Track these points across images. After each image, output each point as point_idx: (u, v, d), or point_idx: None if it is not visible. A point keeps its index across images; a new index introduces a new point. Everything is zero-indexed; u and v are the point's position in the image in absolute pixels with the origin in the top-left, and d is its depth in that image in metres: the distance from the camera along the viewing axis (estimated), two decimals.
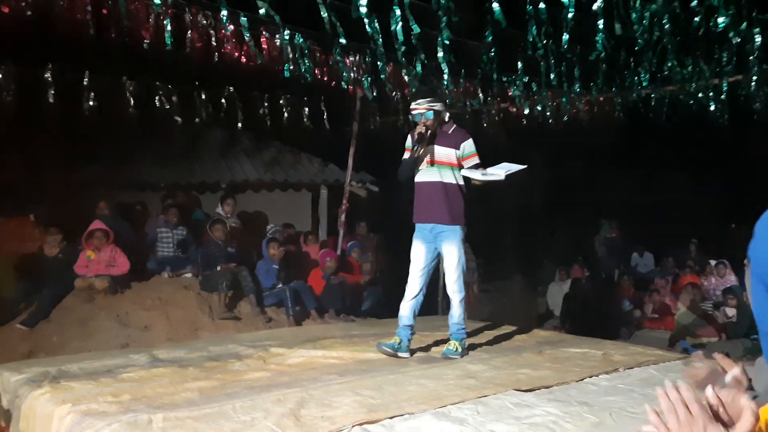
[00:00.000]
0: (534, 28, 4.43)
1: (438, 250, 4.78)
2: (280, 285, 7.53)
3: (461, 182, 4.74)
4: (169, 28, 4.55)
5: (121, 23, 4.27)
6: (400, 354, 4.68)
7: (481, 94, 7.21)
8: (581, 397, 3.57)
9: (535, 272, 12.72)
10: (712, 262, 10.26)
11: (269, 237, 8.04)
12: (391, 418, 3.15)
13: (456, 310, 4.80)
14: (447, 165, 4.68)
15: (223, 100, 7.37)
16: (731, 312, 8.50)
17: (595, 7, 4.43)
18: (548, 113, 7.39)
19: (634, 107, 7.21)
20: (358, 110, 8.54)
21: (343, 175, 9.85)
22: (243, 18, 4.66)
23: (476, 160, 4.69)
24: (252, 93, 7.67)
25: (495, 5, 4.09)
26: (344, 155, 9.13)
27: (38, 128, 6.96)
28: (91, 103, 6.17)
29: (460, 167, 4.69)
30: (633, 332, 9.09)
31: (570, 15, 4.38)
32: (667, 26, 4.52)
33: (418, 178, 4.79)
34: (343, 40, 4.67)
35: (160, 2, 4.25)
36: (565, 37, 4.68)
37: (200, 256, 7.86)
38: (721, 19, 4.61)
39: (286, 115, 7.52)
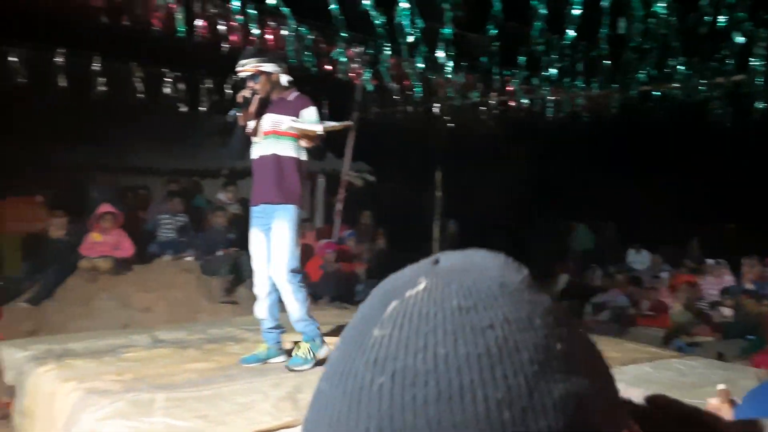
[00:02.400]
0: (538, 23, 4.46)
1: None
2: None
3: (302, 157, 4.05)
4: (180, 16, 4.61)
5: (134, 10, 4.33)
6: (272, 361, 4.08)
7: (480, 88, 7.26)
8: None
9: (529, 267, 12.78)
10: (710, 261, 10.32)
11: None
12: None
13: (292, 305, 4.01)
14: (284, 135, 3.97)
15: (226, 88, 7.42)
16: (728, 312, 8.56)
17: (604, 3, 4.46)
18: (548, 108, 7.45)
19: (634, 104, 7.27)
20: (358, 100, 8.61)
21: (340, 165, 9.94)
22: (252, 11, 4.72)
23: (318, 130, 4.00)
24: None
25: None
26: (341, 145, 9.21)
27: (47, 111, 7.03)
28: (99, 87, 6.23)
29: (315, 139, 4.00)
30: (627, 329, 9.18)
31: (576, 12, 4.43)
32: (672, 20, 4.55)
33: (252, 154, 4.09)
34: (344, 34, 4.69)
35: None
36: (569, 33, 4.73)
37: (201, 241, 7.98)
38: (722, 18, 4.67)
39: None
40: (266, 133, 4.01)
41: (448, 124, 9.14)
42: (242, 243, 8.31)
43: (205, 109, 7.55)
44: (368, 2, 4.17)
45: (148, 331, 5.08)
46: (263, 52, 4.24)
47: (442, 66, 5.53)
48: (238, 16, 4.94)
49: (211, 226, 8.48)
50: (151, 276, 7.20)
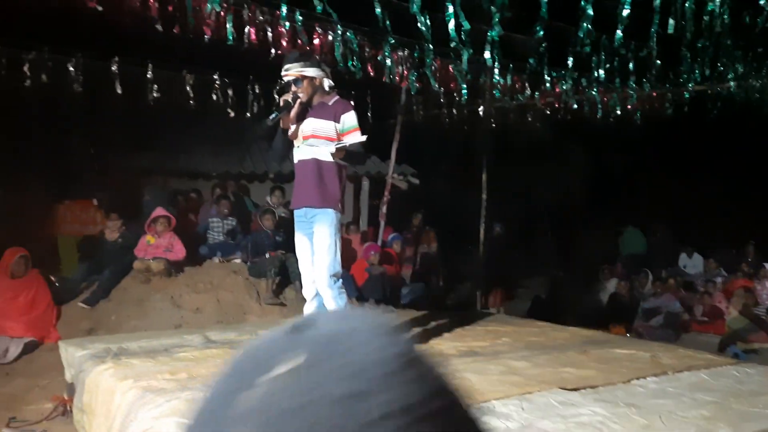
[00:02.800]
0: (585, 24, 4.39)
1: None
2: None
3: (342, 161, 4.11)
4: (229, 25, 4.71)
5: (186, 20, 4.44)
6: None
7: (528, 89, 7.19)
8: (628, 398, 3.51)
9: (576, 270, 12.60)
10: (767, 266, 9.99)
11: None
12: None
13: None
14: (324, 140, 4.01)
15: (275, 94, 7.54)
16: None
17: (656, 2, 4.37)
18: (598, 109, 7.32)
19: (688, 104, 7.09)
20: (402, 103, 8.62)
21: (384, 167, 9.96)
22: (299, 16, 4.79)
23: (358, 135, 4.05)
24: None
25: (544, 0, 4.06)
26: (386, 147, 9.24)
27: (103, 117, 7.28)
28: (153, 94, 6.42)
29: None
30: (680, 335, 8.95)
31: (625, 12, 4.34)
32: (726, 20, 4.43)
33: (294, 158, 4.15)
34: (391, 39, 4.70)
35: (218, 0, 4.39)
36: (619, 34, 4.64)
37: (249, 243, 8.12)
38: None
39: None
40: (306, 138, 4.06)
41: (494, 125, 9.07)
42: (289, 245, 8.46)
43: (252, 114, 7.68)
44: (414, 6, 4.16)
45: (200, 331, 5.19)
46: (306, 56, 4.27)
47: (490, 68, 5.49)
48: (286, 23, 5.00)
49: (258, 229, 8.63)
50: (201, 277, 7.35)
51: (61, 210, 7.65)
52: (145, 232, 7.25)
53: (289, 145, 4.14)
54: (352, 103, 4.24)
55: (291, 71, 4.01)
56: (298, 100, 4.01)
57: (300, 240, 4.19)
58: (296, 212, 4.19)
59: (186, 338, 4.88)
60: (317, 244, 4.04)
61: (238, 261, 8.05)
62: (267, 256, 7.71)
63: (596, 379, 3.88)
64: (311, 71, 4.03)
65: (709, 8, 4.50)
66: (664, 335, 8.80)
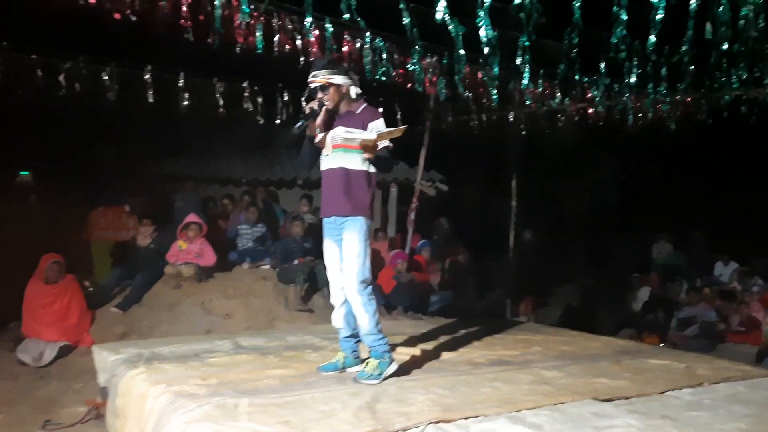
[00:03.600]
0: (619, 29, 4.32)
1: None
2: None
3: (371, 169, 4.06)
4: (258, 33, 4.75)
5: (215, 29, 4.50)
6: (349, 370, 4.11)
7: (559, 95, 7.11)
8: (663, 410, 3.44)
9: (608, 278, 12.41)
10: None
11: None
12: (465, 418, 3.19)
13: (362, 318, 4.00)
14: (352, 149, 3.95)
15: (302, 101, 7.59)
16: None
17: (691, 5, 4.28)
18: (629, 115, 7.21)
19: (724, 109, 6.94)
20: (431, 109, 8.60)
21: (412, 174, 9.94)
22: (328, 24, 4.81)
23: (387, 143, 3.96)
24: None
25: (576, 5, 4.01)
26: (414, 154, 9.23)
27: (135, 125, 7.41)
28: (183, 102, 6.52)
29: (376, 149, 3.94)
30: (716, 345, 8.74)
31: (659, 17, 4.27)
32: (761, 25, 4.32)
33: (321, 167, 4.12)
34: (418, 46, 4.68)
35: (248, 10, 4.44)
36: (652, 39, 4.56)
37: (278, 250, 8.17)
38: None
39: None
40: (335, 147, 4.02)
41: (523, 132, 8.99)
42: (317, 252, 8.50)
43: (282, 121, 7.73)
44: (441, 13, 4.15)
45: (230, 337, 5.23)
46: (334, 63, 4.24)
47: (520, 74, 5.44)
48: (315, 31, 5.03)
49: (287, 236, 8.68)
50: (231, 283, 7.41)
51: (94, 216, 7.80)
52: (177, 238, 7.35)
53: (316, 153, 4.12)
54: (381, 110, 4.21)
55: (318, 78, 3.99)
56: (324, 107, 3.99)
57: (328, 247, 4.17)
58: (325, 220, 4.17)
59: (216, 344, 4.94)
60: (346, 252, 4.02)
61: (267, 267, 8.10)
62: (296, 262, 7.75)
63: (630, 390, 3.81)
64: (338, 78, 4.00)
65: (743, 12, 4.41)
66: (699, 345, 8.59)
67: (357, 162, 3.99)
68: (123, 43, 5.78)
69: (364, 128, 3.96)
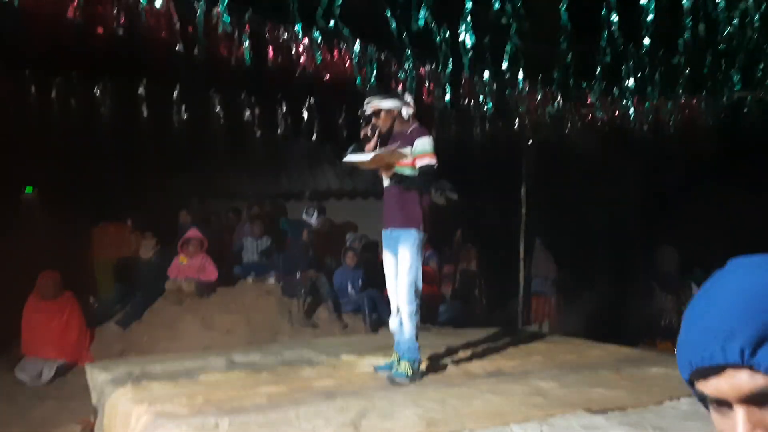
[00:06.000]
0: (606, 33, 4.25)
1: None
2: (355, 292, 7.65)
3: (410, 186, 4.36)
4: (247, 44, 4.73)
5: (200, 41, 4.49)
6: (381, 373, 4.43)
7: (560, 101, 7.00)
8: (657, 421, 3.33)
9: (623, 285, 12.20)
10: None
11: (347, 246, 8.20)
12: None
13: (406, 324, 4.35)
14: (403, 166, 4.29)
15: (304, 112, 7.56)
16: None
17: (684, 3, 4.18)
18: (631, 119, 7.08)
19: (727, 112, 6.77)
20: (436, 119, 8.52)
21: None
22: (316, 32, 4.79)
23: (428, 160, 4.26)
24: (332, 104, 7.83)
25: (562, 10, 3.95)
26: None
27: (133, 139, 7.42)
28: (181, 115, 6.52)
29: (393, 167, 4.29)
30: None
31: (649, 18, 4.18)
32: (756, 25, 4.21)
33: (383, 182, 4.49)
34: (408, 51, 4.65)
35: (228, 20, 4.43)
36: (646, 41, 4.46)
37: (282, 263, 8.14)
38: None
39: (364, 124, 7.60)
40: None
41: (529, 141, 8.89)
42: (322, 264, 8.48)
43: (284, 132, 7.70)
44: (421, 20, 4.12)
45: (225, 353, 5.16)
46: (383, 89, 4.69)
47: (514, 81, 5.37)
48: (305, 41, 5.01)
49: (292, 248, 8.64)
50: (234, 298, 7.38)
51: (96, 233, 7.81)
52: (178, 253, 7.34)
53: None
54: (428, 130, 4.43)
55: (370, 105, 4.35)
56: (377, 131, 4.34)
57: (387, 258, 4.50)
58: (384, 232, 4.51)
59: (210, 361, 4.87)
60: (400, 263, 4.34)
61: (271, 281, 8.07)
62: (298, 276, 7.71)
63: (626, 400, 3.70)
64: (388, 103, 4.34)
65: (741, 7, 4.29)
66: None
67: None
68: (117, 58, 5.79)
69: (412, 146, 4.26)
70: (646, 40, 4.51)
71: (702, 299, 0.84)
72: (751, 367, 0.75)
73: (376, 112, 4.34)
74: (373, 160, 4.22)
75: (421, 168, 4.26)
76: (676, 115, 6.74)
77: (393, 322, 4.50)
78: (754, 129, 7.07)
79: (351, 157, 4.25)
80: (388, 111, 4.33)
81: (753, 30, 4.34)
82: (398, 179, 4.29)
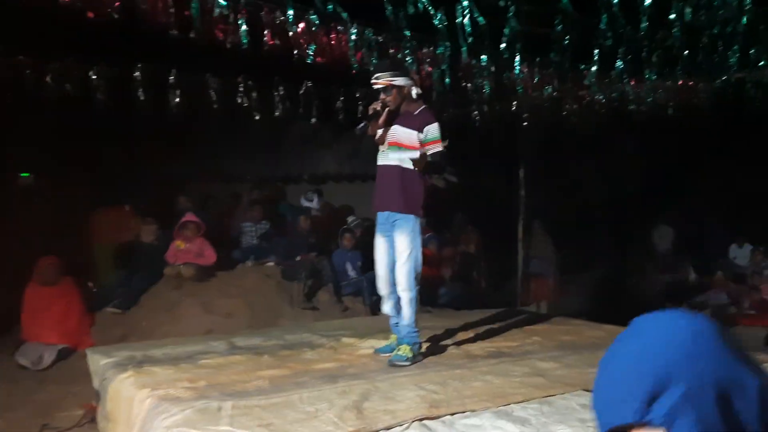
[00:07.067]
0: (605, 15, 4.22)
1: None
2: (355, 275, 7.67)
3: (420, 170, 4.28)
4: (243, 27, 4.70)
5: (193, 23, 4.46)
6: (382, 355, 4.41)
7: (556, 83, 6.97)
8: None
9: (622, 265, 12.25)
10: None
11: (344, 228, 8.20)
12: (451, 414, 3.14)
13: (406, 310, 4.32)
14: (408, 148, 4.19)
15: (301, 95, 7.52)
16: None
17: None
18: (630, 100, 7.06)
19: (727, 92, 6.76)
20: (433, 101, 8.49)
21: None
22: (312, 15, 4.75)
23: (439, 147, 4.20)
24: (331, 87, 7.80)
25: None
26: None
27: (133, 124, 7.39)
28: (176, 99, 6.47)
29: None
30: (728, 329, 8.60)
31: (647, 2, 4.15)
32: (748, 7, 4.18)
33: (378, 161, 4.35)
34: (407, 33, 4.62)
35: (226, 3, 4.40)
36: (643, 23, 4.44)
37: (282, 246, 8.14)
38: None
39: (361, 107, 7.56)
40: (391, 144, 4.23)
41: (525, 123, 8.87)
42: (322, 248, 8.49)
43: (282, 115, 7.66)
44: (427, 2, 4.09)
45: (226, 337, 5.18)
46: (396, 65, 4.43)
47: (512, 63, 5.34)
48: (300, 23, 4.96)
49: (291, 232, 8.64)
50: (234, 282, 7.38)
51: (96, 218, 7.79)
52: (174, 238, 7.32)
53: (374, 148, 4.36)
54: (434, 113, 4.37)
55: (381, 80, 4.17)
56: (387, 109, 4.18)
57: (379, 242, 4.37)
58: (379, 214, 4.38)
59: (211, 345, 4.89)
60: (399, 249, 4.24)
61: (271, 264, 8.07)
62: (298, 258, 7.71)
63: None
64: (400, 80, 4.19)
65: None
66: None
67: (411, 161, 4.19)
68: (114, 41, 5.74)
69: (420, 130, 4.18)
70: (643, 23, 4.49)
71: (605, 363, 0.97)
72: (648, 423, 0.86)
73: (387, 88, 4.18)
74: (421, 158, 4.13)
75: (432, 155, 4.19)
76: (675, 96, 6.71)
77: (386, 306, 4.48)
78: (751, 109, 7.06)
79: (406, 154, 4.16)
80: (400, 88, 4.19)
81: (748, 12, 4.30)
82: (424, 166, 4.19)
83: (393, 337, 4.45)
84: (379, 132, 4.26)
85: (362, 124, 4.26)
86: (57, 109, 6.50)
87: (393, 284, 4.34)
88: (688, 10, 4.03)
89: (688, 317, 0.94)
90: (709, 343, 0.90)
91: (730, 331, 0.91)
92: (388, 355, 4.34)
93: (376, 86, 4.20)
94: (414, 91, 4.25)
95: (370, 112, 4.21)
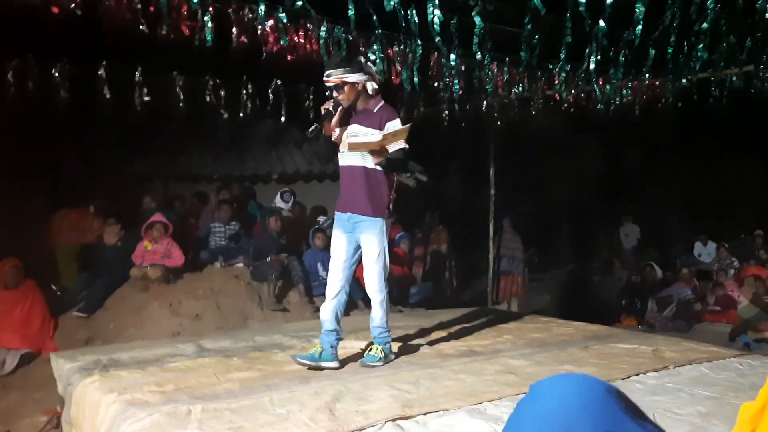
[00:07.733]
0: (569, 12, 4.26)
1: (358, 242, 4.17)
2: (327, 274, 7.61)
3: (385, 168, 4.08)
4: (209, 24, 4.62)
5: (163, 20, 4.37)
6: (323, 364, 4.04)
7: (526, 82, 7.03)
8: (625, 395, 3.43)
9: (589, 263, 12.44)
10: None
11: (315, 228, 8.13)
12: (424, 414, 3.12)
13: (377, 312, 4.24)
14: (371, 149, 3.97)
15: (270, 93, 7.45)
16: None
17: None
18: (597, 99, 7.15)
19: (691, 92, 6.90)
20: (404, 100, 8.50)
21: None
22: (281, 14, 4.69)
23: (402, 144, 3.96)
24: (299, 85, 7.74)
25: None
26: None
27: (95, 123, 7.23)
28: (144, 98, 6.36)
29: (386, 151, 3.95)
30: (693, 325, 8.77)
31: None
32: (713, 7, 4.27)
33: (340, 162, 4.15)
34: (378, 31, 4.59)
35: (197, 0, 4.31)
36: (601, 24, 4.49)
37: (252, 247, 8.04)
38: None
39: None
40: (350, 146, 4.03)
41: (497, 122, 8.94)
42: (293, 248, 8.41)
43: (248, 114, 7.58)
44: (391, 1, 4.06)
45: (194, 340, 5.08)
46: (347, 60, 4.14)
47: (481, 62, 5.36)
48: (268, 21, 4.91)
49: (260, 232, 8.53)
50: (201, 283, 7.27)
51: (57, 219, 7.60)
52: (142, 238, 7.19)
53: (333, 148, 4.16)
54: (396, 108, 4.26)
55: (332, 77, 3.96)
56: (340, 108, 3.99)
57: (337, 238, 4.21)
58: (340, 214, 4.21)
59: (179, 347, 4.79)
60: (367, 254, 4.13)
61: (240, 265, 7.97)
62: (268, 260, 7.62)
63: (595, 376, 3.74)
64: (353, 76, 3.96)
65: None
66: (676, 326, 8.65)
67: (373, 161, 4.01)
68: (76, 38, 5.61)
69: (381, 127, 3.95)
70: (603, 23, 4.54)
71: (510, 430, 1.06)
72: None
73: (339, 86, 3.96)
74: (380, 141, 3.86)
75: (394, 152, 3.97)
76: (640, 96, 6.82)
77: (325, 309, 4.24)
78: (713, 109, 7.23)
79: (356, 139, 3.93)
80: (353, 85, 3.96)
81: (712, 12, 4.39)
82: (387, 164, 3.99)
83: (318, 347, 4.16)
84: (336, 132, 4.06)
85: (313, 126, 4.00)
86: (17, 108, 6.32)
87: (343, 285, 4.20)
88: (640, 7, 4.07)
89: (580, 378, 1.07)
90: (600, 399, 1.05)
91: (618, 388, 1.12)
92: (306, 362, 4.06)
93: (327, 84, 3.98)
94: (370, 87, 4.01)
95: (323, 112, 3.99)
